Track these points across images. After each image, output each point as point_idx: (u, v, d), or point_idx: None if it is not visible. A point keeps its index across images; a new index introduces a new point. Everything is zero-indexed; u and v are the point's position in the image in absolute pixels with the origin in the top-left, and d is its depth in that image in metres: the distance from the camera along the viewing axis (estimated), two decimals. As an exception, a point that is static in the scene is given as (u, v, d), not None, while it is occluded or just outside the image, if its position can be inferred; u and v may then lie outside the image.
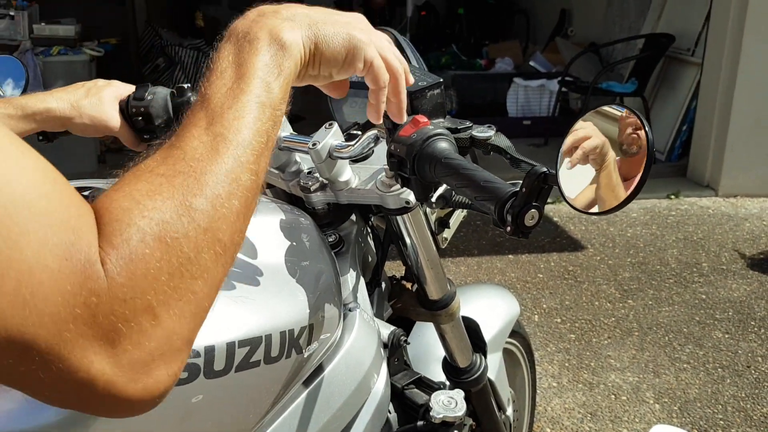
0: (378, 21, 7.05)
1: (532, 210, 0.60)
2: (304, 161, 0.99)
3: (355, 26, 0.60)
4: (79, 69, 4.25)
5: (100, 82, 0.98)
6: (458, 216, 1.09)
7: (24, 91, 1.09)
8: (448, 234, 1.08)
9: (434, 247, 1.00)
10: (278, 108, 0.52)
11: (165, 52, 5.52)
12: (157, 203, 0.42)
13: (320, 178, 0.93)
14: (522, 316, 2.56)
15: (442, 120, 0.79)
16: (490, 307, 1.40)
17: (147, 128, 1.00)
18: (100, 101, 0.95)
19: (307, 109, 5.77)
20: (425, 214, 1.00)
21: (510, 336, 1.48)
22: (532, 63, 5.82)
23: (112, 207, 0.42)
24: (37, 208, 0.38)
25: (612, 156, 0.64)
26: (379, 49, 0.62)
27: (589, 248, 3.53)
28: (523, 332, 1.60)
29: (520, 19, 7.05)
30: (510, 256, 3.41)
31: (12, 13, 4.11)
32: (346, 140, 0.89)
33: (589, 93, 4.83)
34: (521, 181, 0.61)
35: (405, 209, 0.89)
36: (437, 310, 1.02)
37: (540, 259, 3.38)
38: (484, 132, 0.81)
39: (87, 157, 4.22)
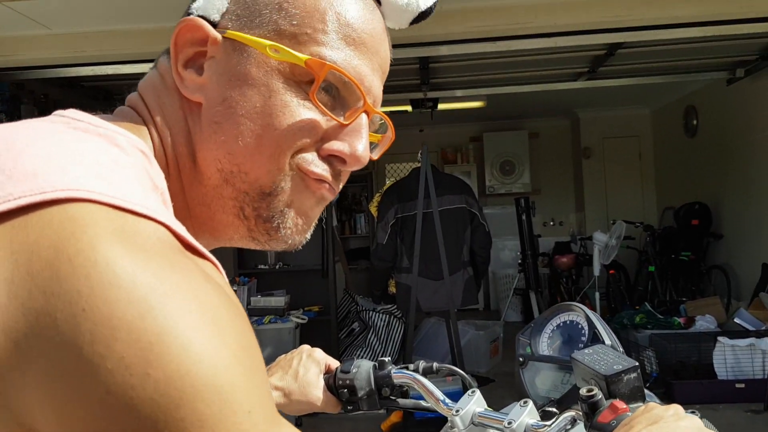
0: (564, 281, 7.10)
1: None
2: (499, 438, 0.98)
3: None
4: (285, 335, 4.66)
5: (305, 354, 1.08)
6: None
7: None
8: None
9: None
10: None
11: (360, 317, 5.92)
12: None
13: (516, 458, 0.91)
14: None
15: (641, 404, 0.77)
16: None
17: (351, 399, 1.07)
18: (308, 384, 1.04)
19: (497, 372, 5.70)
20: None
21: None
22: (737, 320, 5.39)
23: None
24: None
25: None
26: None
27: None
28: None
29: (717, 275, 6.74)
30: None
31: (235, 289, 4.74)
32: (542, 418, 0.88)
33: (813, 352, 4.31)
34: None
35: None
36: None
37: None
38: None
39: (286, 420, 4.41)
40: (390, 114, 5.63)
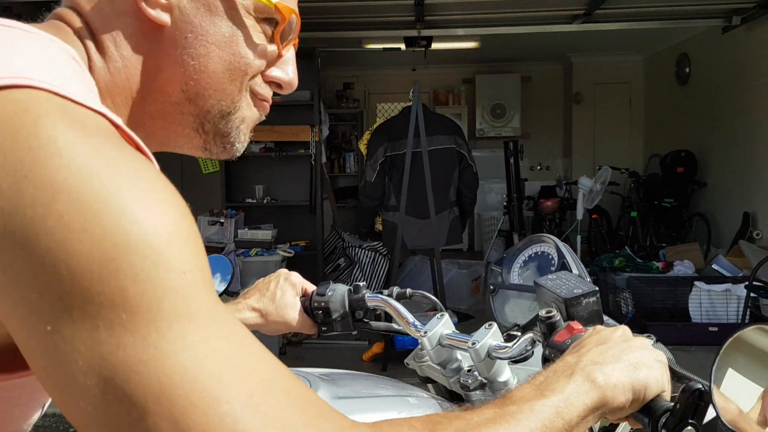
0: (548, 224, 7.19)
1: (688, 428, 0.59)
2: (464, 359, 1.03)
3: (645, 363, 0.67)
4: (272, 268, 4.72)
5: (283, 278, 1.13)
6: (624, 428, 1.05)
7: (228, 285, 1.28)
8: (615, 447, 1.04)
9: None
10: (570, 426, 0.59)
11: (346, 253, 5.99)
12: None
13: (479, 377, 0.96)
14: None
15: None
16: None
17: (325, 320, 1.12)
18: (285, 306, 1.10)
19: (477, 309, 5.83)
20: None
21: None
22: (715, 266, 5.51)
23: None
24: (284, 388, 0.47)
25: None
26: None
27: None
28: None
29: (699, 222, 6.84)
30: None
31: (222, 221, 4.77)
32: (506, 341, 0.93)
33: (784, 299, 4.44)
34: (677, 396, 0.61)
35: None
36: None
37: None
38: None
39: (270, 348, 4.52)
40: (383, 51, 5.50)
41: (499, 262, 1.11)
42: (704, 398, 0.61)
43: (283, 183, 5.80)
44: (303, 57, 5.68)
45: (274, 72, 0.69)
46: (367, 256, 5.84)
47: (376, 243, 5.77)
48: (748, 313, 4.93)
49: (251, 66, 0.65)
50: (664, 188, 7.07)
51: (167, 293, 0.44)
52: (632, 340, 0.69)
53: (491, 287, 1.09)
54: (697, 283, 5.21)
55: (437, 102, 9.10)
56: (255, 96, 0.68)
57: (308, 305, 1.11)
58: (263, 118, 0.71)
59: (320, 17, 5.56)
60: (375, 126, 4.89)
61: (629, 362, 0.65)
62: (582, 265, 0.99)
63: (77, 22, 0.62)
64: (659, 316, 5.08)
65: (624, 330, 0.72)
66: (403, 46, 6.70)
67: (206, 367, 0.44)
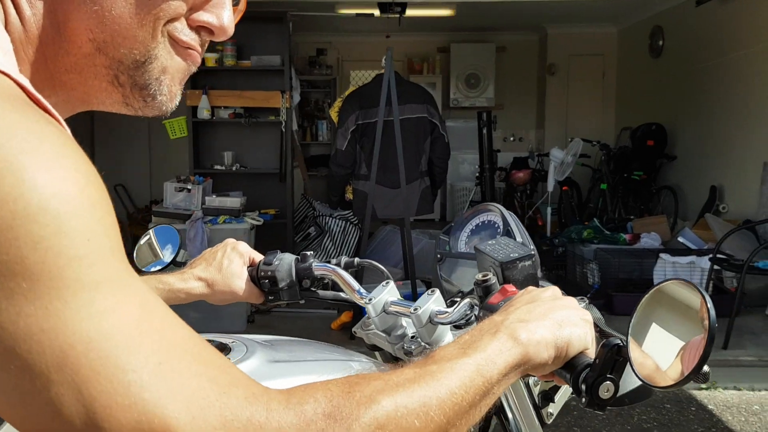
0: (519, 195, 7.23)
1: (607, 382, 0.60)
2: (409, 326, 1.03)
3: (571, 321, 0.68)
4: (240, 236, 4.68)
5: (230, 247, 1.12)
6: (565, 392, 1.06)
7: (176, 255, 1.26)
8: (553, 409, 1.05)
9: (537, 422, 0.97)
10: (491, 383, 0.59)
11: (317, 222, 5.98)
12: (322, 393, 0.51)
13: (422, 343, 0.97)
14: None
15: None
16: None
17: (272, 290, 1.12)
18: (232, 275, 1.09)
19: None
20: (527, 386, 0.99)
21: None
22: (680, 239, 5.60)
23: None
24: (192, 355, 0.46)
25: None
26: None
27: (750, 443, 3.14)
28: None
29: (667, 195, 6.94)
30: (656, 445, 3.11)
31: (190, 188, 4.71)
32: (448, 307, 0.93)
33: (744, 271, 4.53)
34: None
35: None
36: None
37: (691, 452, 3.05)
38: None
39: (238, 318, 4.51)
40: (356, 17, 5.41)
41: (447, 231, 1.11)
42: (622, 353, 0.62)
43: (252, 150, 5.73)
44: (273, 21, 5.59)
45: (203, 16, 0.61)
46: (337, 226, 5.83)
47: (346, 212, 5.76)
48: (711, 285, 5.02)
49: (163, 9, 0.58)
50: (634, 161, 7.14)
51: (70, 261, 0.43)
52: (561, 299, 0.70)
53: (438, 256, 1.09)
54: (662, 255, 5.29)
55: (411, 71, 9.03)
56: (177, 44, 0.61)
57: (255, 274, 1.11)
58: (193, 69, 0.64)
59: (292, -19, 5.45)
60: (347, 93, 4.84)
61: (554, 320, 0.66)
62: (526, 233, 0.99)
63: None
64: (625, 287, 5.16)
65: (554, 290, 0.73)
66: (376, 12, 6.61)
67: (111, 335, 0.43)
